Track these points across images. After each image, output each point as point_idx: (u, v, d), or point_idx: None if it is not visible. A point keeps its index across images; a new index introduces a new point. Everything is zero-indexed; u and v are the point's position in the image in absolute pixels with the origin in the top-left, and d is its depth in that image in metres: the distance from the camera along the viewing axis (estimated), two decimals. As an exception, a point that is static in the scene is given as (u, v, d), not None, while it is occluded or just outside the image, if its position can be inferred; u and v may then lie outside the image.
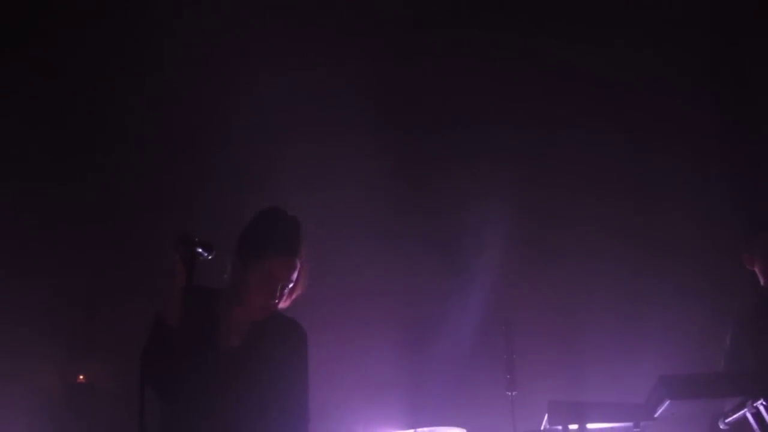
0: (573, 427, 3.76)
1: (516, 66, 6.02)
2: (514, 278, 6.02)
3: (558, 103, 6.04)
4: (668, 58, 5.95)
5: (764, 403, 3.40)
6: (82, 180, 5.93)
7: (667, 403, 3.53)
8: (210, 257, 3.09)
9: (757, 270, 4.45)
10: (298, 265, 3.21)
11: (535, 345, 5.59)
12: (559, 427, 3.78)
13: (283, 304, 3.26)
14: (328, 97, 5.89)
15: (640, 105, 6.00)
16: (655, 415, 3.67)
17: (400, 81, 6.10)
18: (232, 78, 5.85)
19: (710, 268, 5.70)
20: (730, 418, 3.74)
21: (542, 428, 3.96)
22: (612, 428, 3.83)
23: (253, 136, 5.78)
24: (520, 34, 5.95)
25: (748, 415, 3.52)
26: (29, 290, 5.70)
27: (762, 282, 4.42)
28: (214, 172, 5.89)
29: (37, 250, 5.83)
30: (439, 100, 6.12)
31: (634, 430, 3.79)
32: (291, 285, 3.21)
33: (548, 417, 3.83)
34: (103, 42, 5.75)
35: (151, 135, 5.90)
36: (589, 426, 3.76)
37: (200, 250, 3.03)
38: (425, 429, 5.16)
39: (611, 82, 5.99)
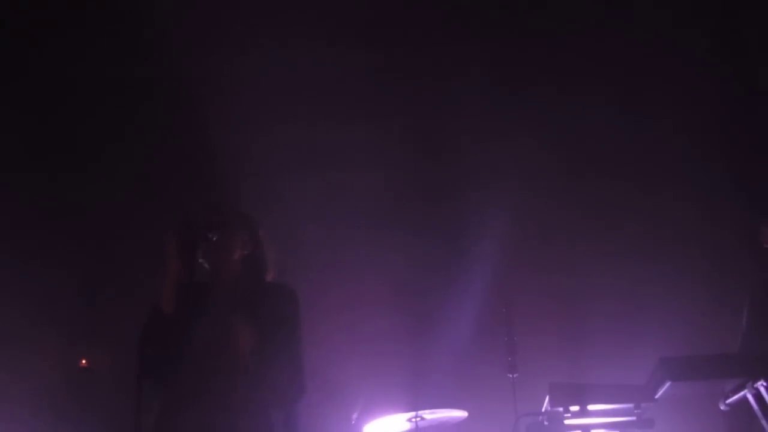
0: (574, 408, 3.77)
1: (518, 45, 6.00)
2: (516, 262, 6.03)
3: (558, 87, 6.02)
4: (675, 39, 5.92)
5: (764, 384, 3.41)
6: (81, 170, 5.94)
7: (668, 384, 3.53)
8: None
9: None
10: (223, 220, 3.35)
11: (537, 328, 5.61)
12: (561, 409, 3.78)
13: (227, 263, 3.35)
14: (327, 80, 5.88)
15: (646, 86, 5.98)
16: (656, 397, 3.67)
17: (401, 63, 6.08)
18: (230, 61, 5.84)
19: (711, 250, 5.71)
20: (730, 399, 3.75)
21: (543, 410, 3.97)
22: (613, 410, 3.83)
23: (251, 119, 5.77)
24: (526, 14, 5.93)
25: (749, 396, 3.53)
26: (31, 278, 5.73)
27: None
28: (212, 158, 5.89)
29: (39, 240, 5.85)
30: (441, 82, 6.11)
31: (635, 411, 3.79)
32: (221, 237, 3.31)
33: (549, 399, 3.83)
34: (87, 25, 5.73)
35: (152, 124, 5.89)
36: (590, 407, 3.77)
37: (197, 235, 3.11)
38: (427, 412, 5.18)
39: (614, 62, 5.97)
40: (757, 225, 4.52)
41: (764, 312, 4.36)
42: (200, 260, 3.31)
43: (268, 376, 3.17)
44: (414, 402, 5.27)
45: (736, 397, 3.67)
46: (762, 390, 3.42)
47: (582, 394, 3.77)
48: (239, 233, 3.39)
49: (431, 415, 5.20)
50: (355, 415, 5.44)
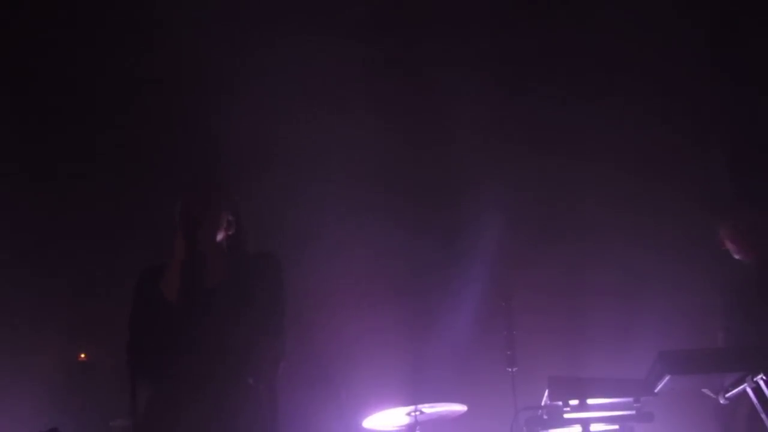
0: (573, 402, 3.77)
1: (516, 44, 5.99)
2: (515, 256, 6.02)
3: (556, 85, 6.01)
4: (669, 28, 5.90)
5: (764, 377, 3.41)
6: (79, 166, 5.93)
7: (667, 378, 3.53)
8: None
9: (731, 248, 4.49)
10: (208, 202, 3.40)
11: (536, 322, 5.60)
12: (560, 403, 3.79)
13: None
14: (325, 78, 5.87)
15: (641, 78, 5.96)
16: (655, 391, 3.67)
17: (399, 60, 6.07)
18: (228, 56, 5.82)
19: (711, 242, 5.68)
20: (730, 393, 3.75)
21: (543, 404, 3.97)
22: (612, 403, 3.83)
23: (248, 114, 5.76)
24: (525, 13, 5.92)
25: (748, 390, 3.53)
26: (30, 273, 5.74)
27: (739, 258, 4.46)
28: (209, 155, 5.88)
29: (38, 234, 5.86)
30: (437, 74, 6.09)
31: (635, 405, 3.80)
32: (209, 217, 3.36)
33: (549, 393, 3.84)
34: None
35: (149, 120, 5.88)
36: (590, 401, 3.78)
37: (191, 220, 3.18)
38: (427, 406, 5.18)
39: (613, 60, 5.95)
40: (714, 227, 4.55)
41: (742, 309, 4.36)
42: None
43: (261, 359, 3.22)
44: (413, 396, 5.27)
45: (735, 391, 3.67)
46: (762, 384, 3.42)
47: (581, 388, 3.78)
48: (224, 213, 3.45)
49: (431, 408, 5.21)
50: (343, 395, 5.48)
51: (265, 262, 3.43)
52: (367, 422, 5.25)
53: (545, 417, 3.91)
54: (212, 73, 5.75)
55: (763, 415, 3.51)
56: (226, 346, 3.21)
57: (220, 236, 3.42)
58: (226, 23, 5.65)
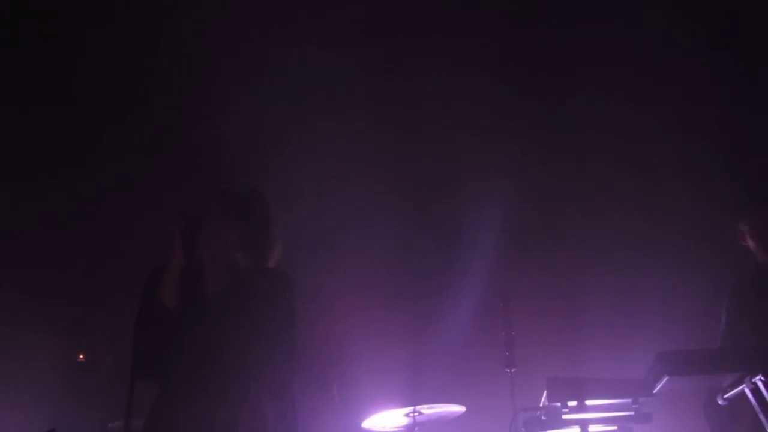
0: (572, 403, 3.77)
1: (515, 41, 5.99)
2: (513, 255, 6.03)
3: (556, 82, 6.01)
4: (669, 28, 5.90)
5: (762, 378, 3.41)
6: (79, 164, 5.93)
7: (666, 379, 3.53)
8: None
9: (751, 247, 4.45)
10: (208, 210, 3.36)
11: (535, 322, 5.60)
12: (558, 404, 3.78)
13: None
14: (322, 74, 5.86)
15: (643, 80, 5.96)
16: (654, 392, 3.67)
17: (397, 58, 6.07)
18: (228, 55, 5.83)
19: (710, 242, 5.69)
20: (728, 394, 3.75)
21: (541, 405, 3.97)
22: (611, 404, 3.83)
23: (248, 114, 5.76)
24: (523, 10, 5.91)
25: (747, 391, 3.53)
26: (29, 272, 5.73)
27: (759, 258, 4.42)
28: (208, 153, 5.88)
29: (37, 233, 5.86)
30: (436, 73, 6.09)
31: (633, 406, 3.80)
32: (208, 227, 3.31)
33: (547, 393, 3.83)
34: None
35: (151, 118, 5.88)
36: (588, 402, 3.77)
37: (193, 227, 3.14)
38: (425, 407, 5.18)
39: (612, 57, 5.95)
40: (735, 223, 4.52)
41: (743, 310, 4.35)
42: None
43: (262, 366, 3.20)
44: (412, 397, 5.28)
45: (734, 392, 3.67)
46: (760, 385, 3.42)
47: (580, 389, 3.77)
48: (227, 221, 3.39)
49: (429, 409, 5.21)
50: (336, 396, 5.49)
51: (276, 276, 3.38)
52: (366, 423, 5.25)
53: (544, 418, 3.90)
54: (210, 75, 5.75)
55: (761, 416, 3.51)
56: (222, 351, 3.20)
57: (224, 244, 3.39)
58: (223, 23, 5.66)
